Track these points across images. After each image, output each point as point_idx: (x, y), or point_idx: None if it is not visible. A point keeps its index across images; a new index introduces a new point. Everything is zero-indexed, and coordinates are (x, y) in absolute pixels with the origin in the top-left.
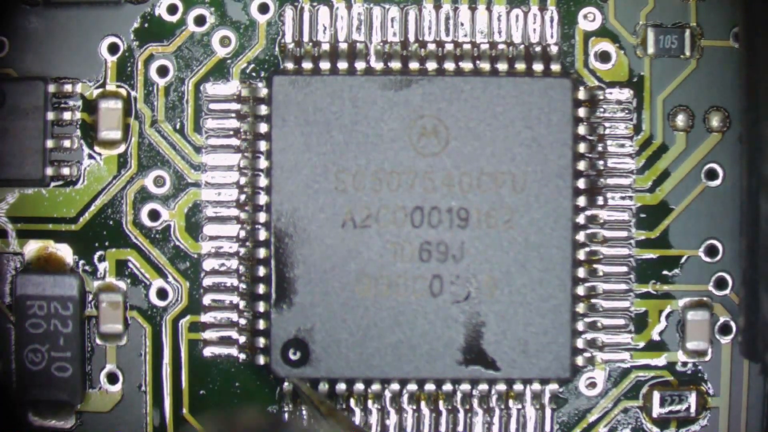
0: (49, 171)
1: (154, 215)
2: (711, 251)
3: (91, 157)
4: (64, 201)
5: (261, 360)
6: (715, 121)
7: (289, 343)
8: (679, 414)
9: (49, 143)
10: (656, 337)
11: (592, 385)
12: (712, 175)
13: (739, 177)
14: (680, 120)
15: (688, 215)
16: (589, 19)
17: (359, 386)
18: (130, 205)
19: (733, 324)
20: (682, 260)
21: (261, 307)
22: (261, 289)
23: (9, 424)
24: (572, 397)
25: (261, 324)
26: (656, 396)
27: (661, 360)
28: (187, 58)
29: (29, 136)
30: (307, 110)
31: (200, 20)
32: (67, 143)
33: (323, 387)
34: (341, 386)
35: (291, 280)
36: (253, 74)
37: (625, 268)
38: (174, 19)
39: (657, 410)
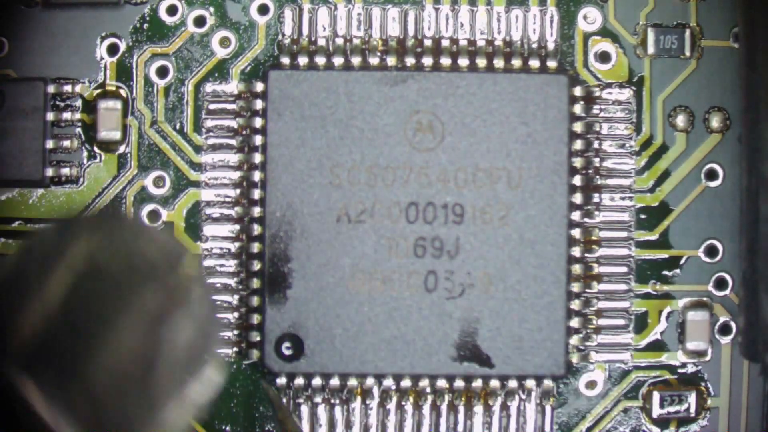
0: (49, 171)
1: (154, 216)
2: (711, 251)
3: (90, 157)
4: (64, 201)
5: (254, 355)
6: (715, 122)
7: (283, 337)
8: (679, 414)
9: (49, 144)
10: (656, 338)
11: (592, 385)
12: (712, 175)
13: (739, 177)
14: (680, 120)
15: (688, 215)
16: (588, 20)
17: (352, 381)
18: (130, 205)
19: (732, 324)
20: (682, 260)
21: (255, 301)
22: (255, 283)
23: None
24: (572, 398)
25: (255, 318)
26: (656, 396)
27: (661, 360)
28: (187, 58)
29: (29, 136)
30: (302, 105)
31: (200, 21)
32: (66, 144)
33: (317, 382)
34: (335, 381)
35: (285, 275)
36: (253, 75)
37: (624, 269)
38: (174, 20)
39: (657, 410)
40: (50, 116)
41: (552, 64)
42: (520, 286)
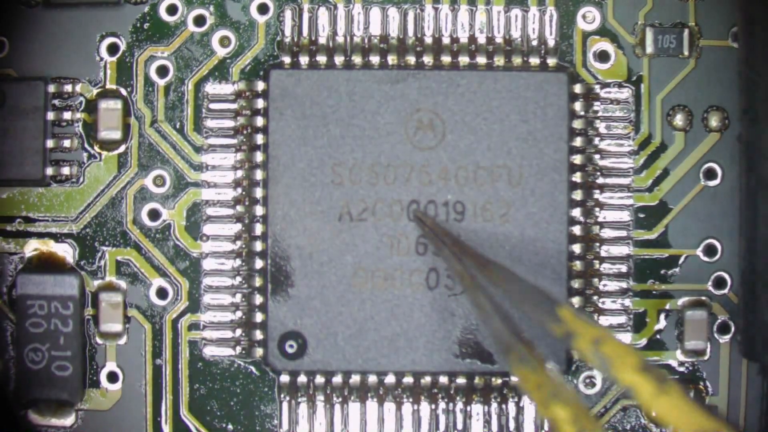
0: (50, 171)
1: (154, 215)
2: (710, 251)
3: (91, 156)
4: (64, 200)
5: (258, 353)
6: (713, 121)
7: (286, 335)
8: None
9: (49, 143)
10: (655, 336)
11: (592, 383)
12: (710, 174)
13: (738, 176)
14: (679, 119)
15: (687, 215)
16: (587, 19)
17: (355, 379)
18: (130, 204)
19: (731, 323)
20: (681, 260)
21: (258, 300)
22: (258, 282)
23: (8, 423)
24: None
25: (258, 317)
26: None
27: (659, 359)
28: (187, 58)
29: (29, 136)
30: (303, 104)
31: (200, 20)
32: (67, 143)
33: (320, 379)
34: (337, 379)
35: (288, 273)
36: (253, 75)
37: (624, 268)
38: (173, 19)
39: None
40: (50, 116)
41: (552, 61)
42: None
